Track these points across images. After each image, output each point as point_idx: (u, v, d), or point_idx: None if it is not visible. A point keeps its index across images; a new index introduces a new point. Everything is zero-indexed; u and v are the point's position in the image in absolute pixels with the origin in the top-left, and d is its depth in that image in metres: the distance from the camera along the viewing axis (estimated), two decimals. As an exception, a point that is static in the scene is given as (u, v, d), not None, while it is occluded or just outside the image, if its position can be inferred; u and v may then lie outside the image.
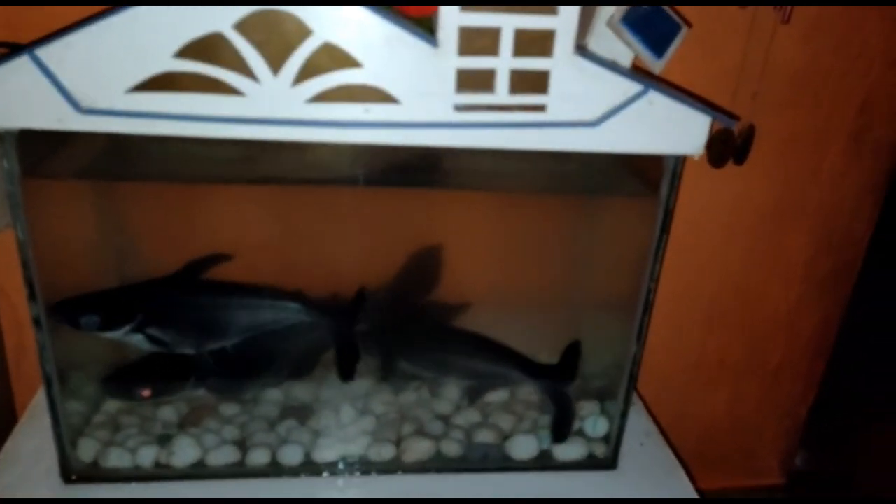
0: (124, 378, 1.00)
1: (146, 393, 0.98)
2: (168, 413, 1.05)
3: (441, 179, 0.95)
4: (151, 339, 0.95)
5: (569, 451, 1.01)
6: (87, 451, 0.98)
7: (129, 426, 1.03)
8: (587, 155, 0.82)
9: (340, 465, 0.97)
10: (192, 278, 1.01)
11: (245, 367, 1.04)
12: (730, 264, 1.41)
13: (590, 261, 1.13)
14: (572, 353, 1.05)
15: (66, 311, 0.93)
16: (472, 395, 1.09)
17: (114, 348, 1.05)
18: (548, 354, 1.12)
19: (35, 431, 1.02)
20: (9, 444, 1.02)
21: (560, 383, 1.04)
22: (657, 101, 0.80)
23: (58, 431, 0.94)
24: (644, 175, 0.93)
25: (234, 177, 0.94)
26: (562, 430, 1.03)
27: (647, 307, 0.95)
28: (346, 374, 1.01)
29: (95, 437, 1.00)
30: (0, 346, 1.19)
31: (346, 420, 1.01)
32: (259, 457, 0.96)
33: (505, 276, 1.14)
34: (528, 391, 1.15)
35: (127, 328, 0.95)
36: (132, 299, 0.96)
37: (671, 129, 0.81)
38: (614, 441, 1.03)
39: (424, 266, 1.11)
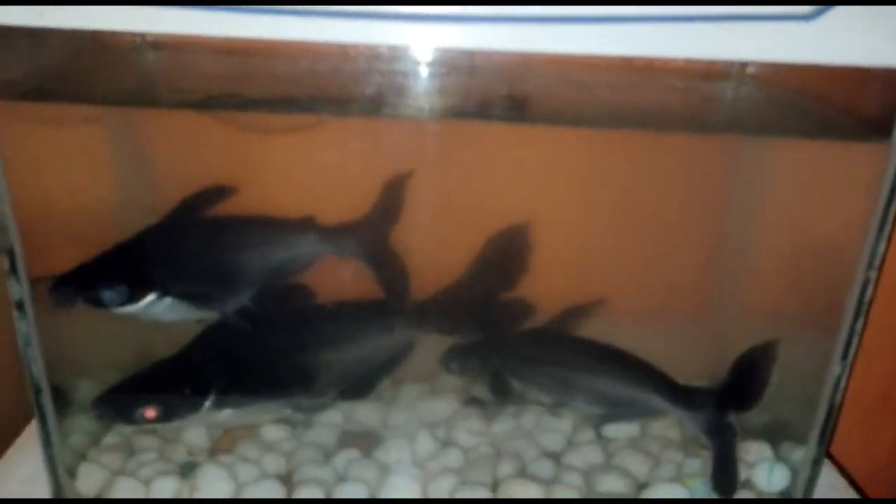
0: (121, 396, 0.76)
1: (150, 414, 0.74)
2: (196, 435, 0.83)
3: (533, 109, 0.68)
4: (185, 296, 0.74)
5: (730, 508, 0.73)
6: (89, 480, 0.77)
7: (146, 450, 0.81)
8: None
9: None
10: (190, 217, 0.79)
11: (287, 377, 0.80)
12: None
13: (753, 238, 0.85)
14: (752, 367, 0.76)
15: (78, 285, 0.71)
16: (601, 425, 0.83)
17: (128, 342, 0.82)
18: (686, 372, 0.84)
19: (35, 451, 0.79)
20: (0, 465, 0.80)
21: (727, 412, 0.75)
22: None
23: (49, 454, 0.72)
24: (844, 105, 0.65)
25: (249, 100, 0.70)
26: (730, 478, 0.74)
27: (861, 309, 0.66)
28: (395, 297, 0.80)
29: (101, 463, 0.78)
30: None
31: (423, 452, 0.81)
32: (310, 497, 0.75)
33: (631, 261, 0.87)
34: (665, 424, 0.86)
35: (154, 295, 0.72)
36: (146, 258, 0.74)
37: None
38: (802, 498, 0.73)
39: (512, 248, 0.87)
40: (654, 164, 0.81)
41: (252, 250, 0.80)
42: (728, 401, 0.75)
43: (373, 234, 0.82)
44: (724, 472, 0.75)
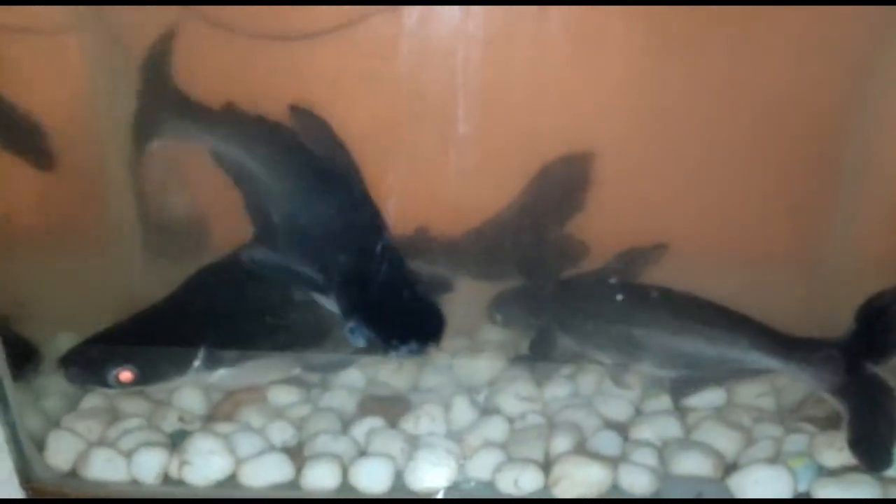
0: (92, 354, 0.64)
1: (126, 376, 0.61)
2: (192, 399, 0.72)
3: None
4: None
5: (845, 494, 0.62)
6: (60, 452, 0.65)
7: (131, 415, 0.70)
8: None
9: (449, 496, 0.65)
10: None
11: (294, 329, 0.67)
12: None
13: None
14: (885, 311, 0.60)
15: None
16: (680, 392, 0.68)
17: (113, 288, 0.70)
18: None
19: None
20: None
21: (861, 365, 0.60)
22: None
23: (8, 419, 0.60)
24: None
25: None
26: (881, 445, 0.60)
27: None
28: None
29: (77, 431, 0.66)
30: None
31: (460, 422, 0.70)
32: (322, 476, 0.64)
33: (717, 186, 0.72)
34: (756, 392, 0.73)
35: None
36: None
37: None
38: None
39: (569, 179, 0.75)
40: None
41: None
42: (860, 351, 0.60)
43: None
44: (873, 437, 0.59)
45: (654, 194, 0.75)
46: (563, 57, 0.66)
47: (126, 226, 0.83)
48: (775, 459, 0.65)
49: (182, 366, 0.63)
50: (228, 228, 0.77)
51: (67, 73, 0.71)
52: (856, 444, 0.60)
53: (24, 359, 0.67)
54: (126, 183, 0.82)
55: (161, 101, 0.72)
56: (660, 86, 0.71)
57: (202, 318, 0.66)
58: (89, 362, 0.62)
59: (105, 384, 0.61)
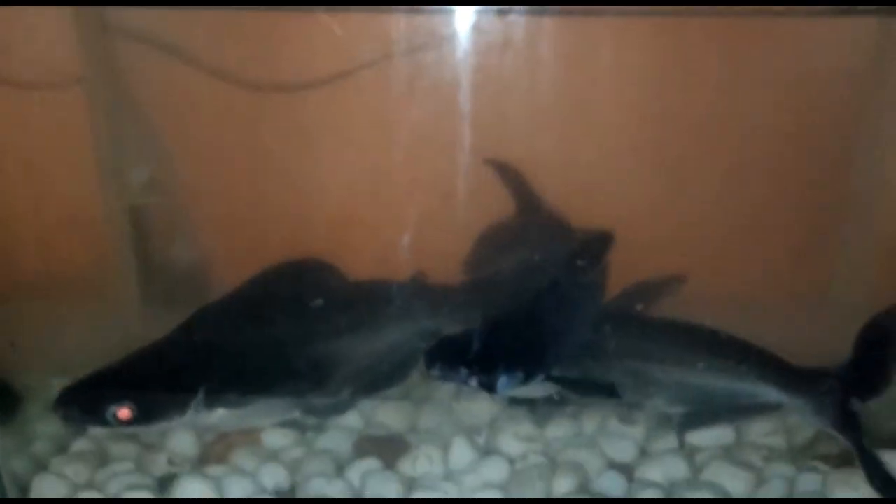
0: (89, 393, 0.62)
1: (125, 413, 0.59)
2: (182, 442, 0.70)
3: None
4: None
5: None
6: (44, 495, 0.64)
7: (120, 459, 0.68)
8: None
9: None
10: None
11: (295, 371, 0.65)
12: None
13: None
14: (884, 337, 0.59)
15: None
16: (686, 428, 0.65)
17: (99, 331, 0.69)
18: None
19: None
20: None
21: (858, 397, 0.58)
22: None
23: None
24: None
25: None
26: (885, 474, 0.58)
27: None
28: None
29: (64, 475, 0.65)
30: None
31: (459, 463, 0.69)
32: None
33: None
34: (765, 430, 0.70)
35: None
36: None
37: None
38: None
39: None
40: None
41: None
42: (859, 382, 0.58)
43: None
44: (879, 468, 0.57)
45: (658, 233, 0.75)
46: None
47: (127, 273, 0.83)
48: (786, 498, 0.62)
49: (182, 405, 0.61)
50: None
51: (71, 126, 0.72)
52: (876, 481, 0.57)
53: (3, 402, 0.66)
54: (126, 230, 0.82)
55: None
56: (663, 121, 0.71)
57: (202, 358, 0.64)
58: (86, 400, 0.60)
59: (103, 423, 0.59)
